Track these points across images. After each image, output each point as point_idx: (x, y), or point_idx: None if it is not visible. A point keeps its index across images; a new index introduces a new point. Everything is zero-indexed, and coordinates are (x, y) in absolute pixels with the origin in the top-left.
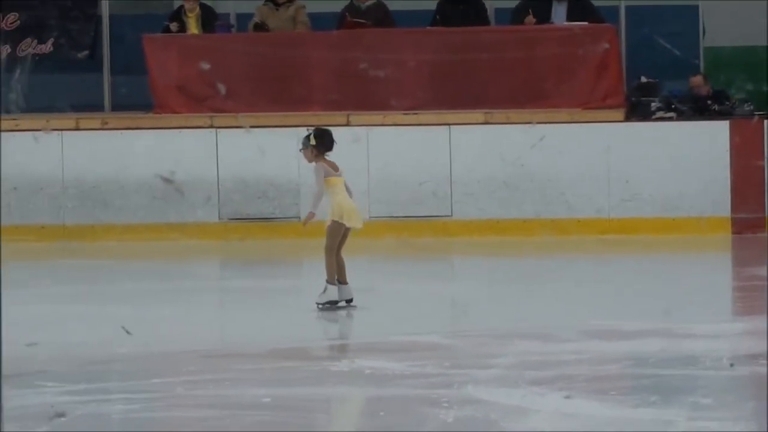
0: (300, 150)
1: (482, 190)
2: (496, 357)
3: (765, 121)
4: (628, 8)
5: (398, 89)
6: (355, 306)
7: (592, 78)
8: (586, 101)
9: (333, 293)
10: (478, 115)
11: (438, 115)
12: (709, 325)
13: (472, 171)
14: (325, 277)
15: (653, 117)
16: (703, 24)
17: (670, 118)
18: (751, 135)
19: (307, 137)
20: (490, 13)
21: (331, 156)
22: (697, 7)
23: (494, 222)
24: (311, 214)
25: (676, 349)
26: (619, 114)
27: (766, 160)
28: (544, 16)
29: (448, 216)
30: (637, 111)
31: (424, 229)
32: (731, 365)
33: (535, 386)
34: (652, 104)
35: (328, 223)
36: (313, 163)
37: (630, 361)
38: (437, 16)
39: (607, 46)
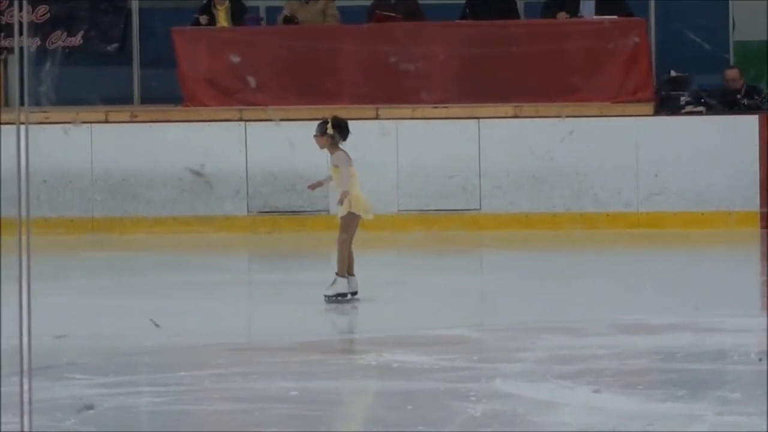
0: (314, 136)
1: (511, 183)
2: (524, 351)
3: None
4: (657, 2)
5: (427, 83)
6: (358, 299)
7: (622, 72)
8: (616, 95)
9: (343, 285)
10: (507, 108)
11: (467, 108)
12: (737, 320)
13: (501, 164)
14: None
15: (683, 111)
16: (733, 18)
17: (699, 113)
18: None
19: (324, 124)
20: (520, 7)
21: (361, 149)
22: (727, 1)
23: (523, 216)
24: (345, 192)
25: (704, 343)
26: (649, 108)
27: None
28: (573, 10)
29: (476, 209)
30: (667, 105)
31: (453, 223)
32: (759, 360)
33: (563, 380)
34: (682, 98)
35: (342, 213)
36: (326, 151)
37: (658, 356)
38: (467, 10)
39: (636, 39)
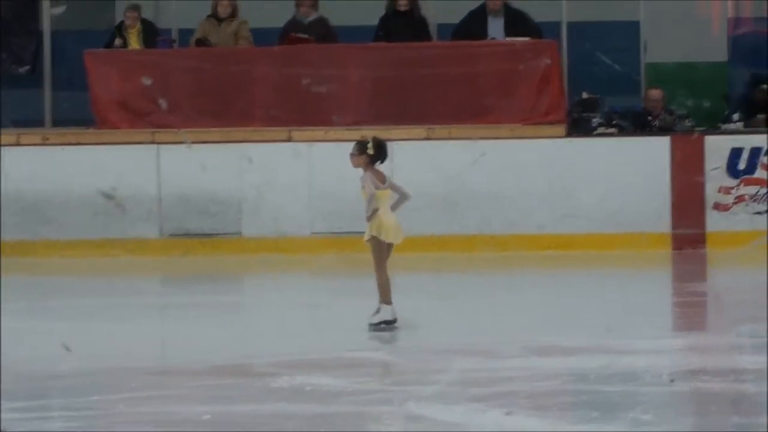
0: (351, 154)
1: (424, 205)
2: (437, 373)
3: (705, 137)
4: (569, 24)
5: (340, 105)
6: (397, 327)
7: (534, 94)
8: (528, 117)
9: (388, 312)
10: (420, 130)
11: (380, 130)
12: (649, 341)
13: (414, 186)
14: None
15: (594, 133)
16: (645, 40)
17: (611, 134)
18: (691, 151)
19: (364, 145)
20: (432, 28)
21: (274, 171)
22: (638, 23)
23: (436, 238)
24: (370, 216)
25: (617, 365)
26: (561, 130)
27: (705, 176)
28: (482, 32)
29: None
30: (579, 127)
31: (365, 245)
32: (671, 381)
33: (475, 403)
34: (593, 120)
35: (367, 238)
36: (361, 170)
37: (571, 377)
38: (380, 32)
39: (548, 61)
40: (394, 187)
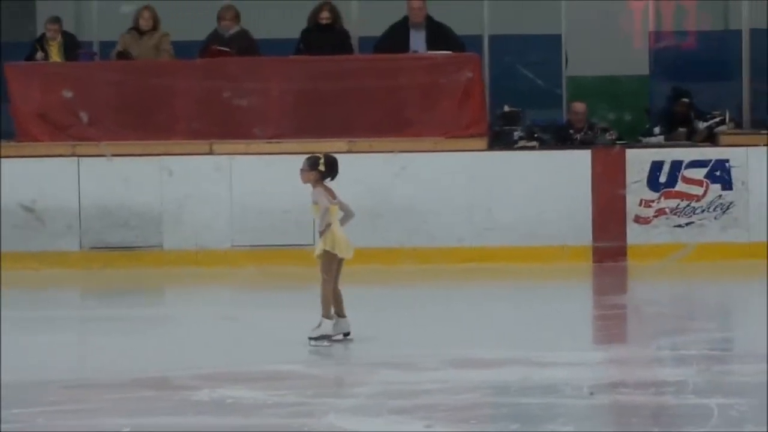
0: (302, 169)
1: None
2: (358, 386)
3: (626, 150)
4: (491, 37)
5: (262, 118)
6: (352, 339)
7: (456, 107)
8: (450, 130)
9: (328, 327)
10: (341, 143)
11: (301, 143)
12: (569, 354)
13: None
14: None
15: (516, 146)
16: (566, 53)
17: (532, 147)
18: (612, 164)
19: (315, 161)
20: (354, 41)
21: (195, 184)
22: (560, 36)
23: (357, 251)
24: (323, 231)
25: (537, 377)
26: (482, 143)
27: (626, 189)
28: (404, 45)
29: (311, 245)
30: (500, 140)
31: (286, 258)
32: (591, 394)
33: (396, 415)
34: (515, 133)
35: (318, 252)
36: (310, 186)
37: (491, 390)
38: (301, 45)
39: (470, 75)
40: (341, 204)
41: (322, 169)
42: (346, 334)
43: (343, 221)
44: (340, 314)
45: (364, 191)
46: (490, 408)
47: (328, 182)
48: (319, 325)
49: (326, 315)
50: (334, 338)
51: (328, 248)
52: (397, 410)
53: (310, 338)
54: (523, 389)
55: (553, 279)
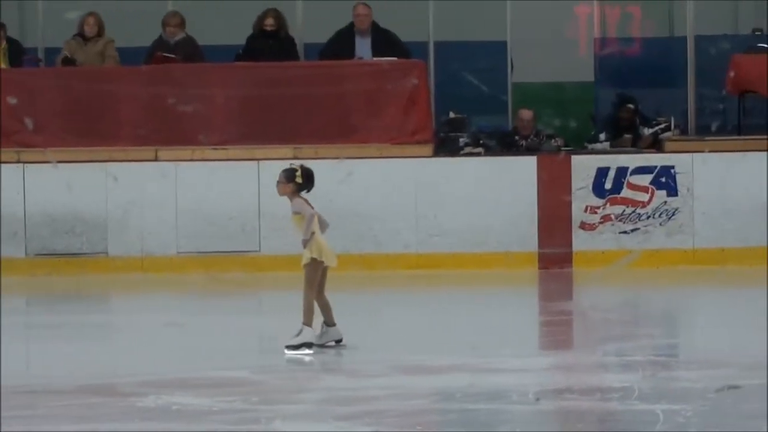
0: (279, 182)
1: (290, 225)
2: (304, 392)
3: (572, 156)
4: (437, 44)
5: (207, 124)
6: (344, 345)
7: (401, 113)
8: (395, 136)
9: (308, 335)
10: (286, 150)
11: (247, 150)
12: (515, 360)
13: (281, 206)
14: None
15: (461, 152)
16: (512, 60)
17: (478, 154)
18: (558, 170)
19: (292, 173)
20: (300, 48)
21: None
22: (505, 43)
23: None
24: (307, 240)
25: (483, 383)
26: (428, 149)
27: (572, 195)
28: (350, 52)
29: (256, 251)
30: (446, 146)
31: (232, 264)
32: (537, 399)
33: (342, 421)
34: (461, 140)
35: (305, 260)
36: (288, 198)
37: (437, 396)
38: (246, 52)
39: (415, 81)
40: (318, 215)
41: (299, 181)
42: (339, 341)
43: (322, 230)
44: (330, 323)
45: (309, 197)
46: (437, 414)
47: (303, 194)
48: (299, 333)
49: (307, 323)
50: (327, 345)
51: (315, 256)
52: (343, 416)
53: (288, 346)
54: (470, 395)
55: (498, 285)
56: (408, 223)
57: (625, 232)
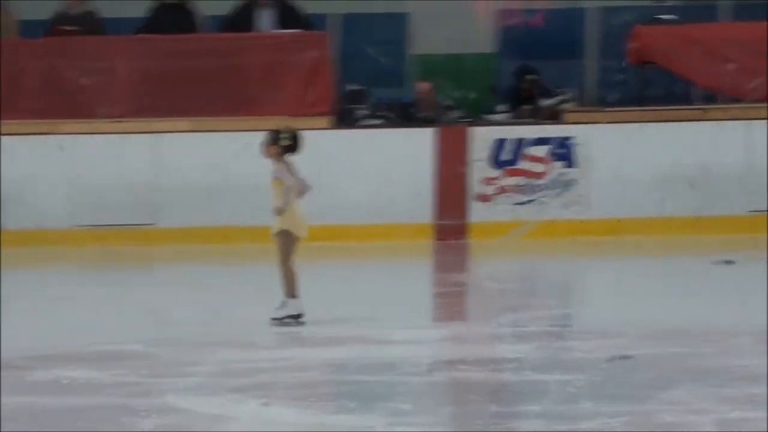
0: (263, 143)
1: (188, 198)
2: (195, 365)
3: (470, 128)
4: (338, 16)
5: (106, 97)
6: (304, 322)
7: (302, 86)
8: (296, 109)
9: (294, 307)
10: (185, 123)
11: (145, 123)
12: (409, 331)
13: (179, 179)
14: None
15: (361, 124)
16: (412, 32)
17: (377, 126)
18: (455, 142)
19: (276, 135)
20: (202, 21)
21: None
22: (405, 15)
23: (200, 230)
24: (280, 208)
25: (376, 355)
26: (328, 121)
27: (469, 166)
28: (252, 24)
29: (152, 224)
30: (346, 118)
31: (128, 238)
32: (430, 371)
33: (233, 394)
34: (360, 111)
35: (276, 230)
36: (271, 161)
37: (330, 368)
38: (148, 24)
39: (317, 53)
40: (298, 179)
41: (285, 143)
42: (298, 315)
43: (301, 195)
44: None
45: (207, 170)
46: (330, 386)
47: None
48: (284, 305)
49: (290, 294)
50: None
51: (286, 227)
52: (235, 389)
53: (274, 319)
54: (362, 367)
55: (395, 257)
56: (307, 195)
57: (521, 203)
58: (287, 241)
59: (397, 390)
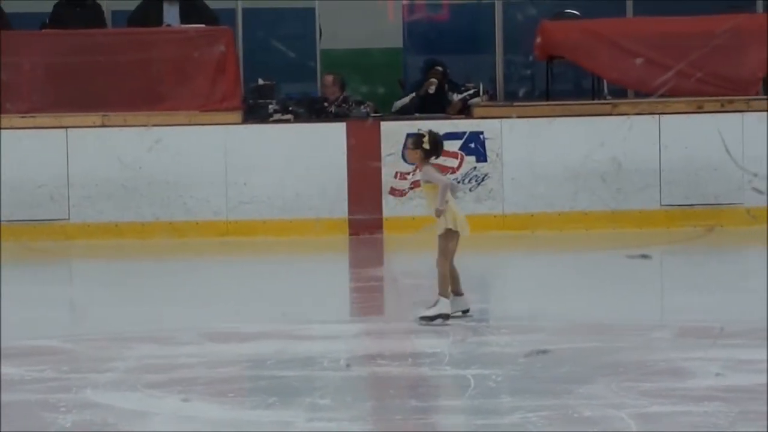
0: (406, 148)
1: (100, 192)
2: (114, 361)
3: (381, 122)
4: (244, 10)
5: (13, 92)
6: (471, 315)
7: (209, 80)
8: (204, 104)
9: (445, 307)
10: (94, 117)
11: (55, 117)
12: (326, 326)
13: (90, 174)
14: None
15: (270, 119)
16: (320, 27)
17: (287, 120)
18: (367, 136)
19: (419, 138)
20: (107, 15)
21: None
22: (313, 9)
23: (112, 225)
24: (440, 210)
25: (294, 350)
26: (237, 116)
27: (381, 161)
28: (158, 19)
29: (66, 219)
30: (255, 113)
31: (41, 233)
32: (348, 366)
33: (153, 389)
34: (270, 106)
35: (441, 231)
36: (417, 167)
37: (248, 363)
38: (53, 19)
39: (223, 48)
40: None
41: (427, 147)
42: (466, 311)
43: (454, 193)
44: (458, 293)
45: (118, 165)
46: (248, 381)
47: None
48: (435, 304)
49: (443, 294)
50: (453, 315)
51: (450, 226)
52: (154, 384)
53: (423, 317)
54: (281, 362)
55: (309, 252)
56: (218, 191)
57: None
58: (449, 240)
59: (316, 385)
